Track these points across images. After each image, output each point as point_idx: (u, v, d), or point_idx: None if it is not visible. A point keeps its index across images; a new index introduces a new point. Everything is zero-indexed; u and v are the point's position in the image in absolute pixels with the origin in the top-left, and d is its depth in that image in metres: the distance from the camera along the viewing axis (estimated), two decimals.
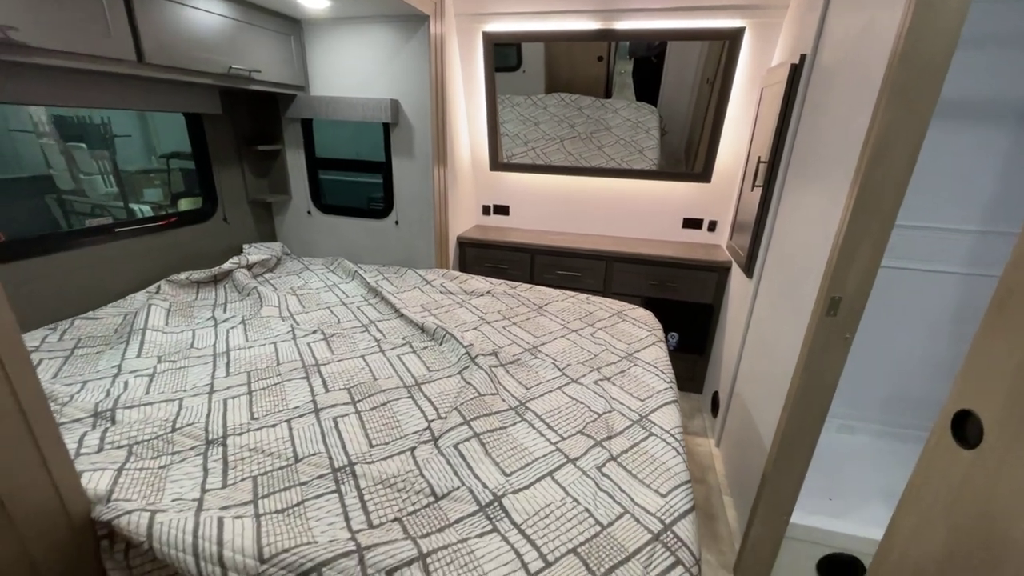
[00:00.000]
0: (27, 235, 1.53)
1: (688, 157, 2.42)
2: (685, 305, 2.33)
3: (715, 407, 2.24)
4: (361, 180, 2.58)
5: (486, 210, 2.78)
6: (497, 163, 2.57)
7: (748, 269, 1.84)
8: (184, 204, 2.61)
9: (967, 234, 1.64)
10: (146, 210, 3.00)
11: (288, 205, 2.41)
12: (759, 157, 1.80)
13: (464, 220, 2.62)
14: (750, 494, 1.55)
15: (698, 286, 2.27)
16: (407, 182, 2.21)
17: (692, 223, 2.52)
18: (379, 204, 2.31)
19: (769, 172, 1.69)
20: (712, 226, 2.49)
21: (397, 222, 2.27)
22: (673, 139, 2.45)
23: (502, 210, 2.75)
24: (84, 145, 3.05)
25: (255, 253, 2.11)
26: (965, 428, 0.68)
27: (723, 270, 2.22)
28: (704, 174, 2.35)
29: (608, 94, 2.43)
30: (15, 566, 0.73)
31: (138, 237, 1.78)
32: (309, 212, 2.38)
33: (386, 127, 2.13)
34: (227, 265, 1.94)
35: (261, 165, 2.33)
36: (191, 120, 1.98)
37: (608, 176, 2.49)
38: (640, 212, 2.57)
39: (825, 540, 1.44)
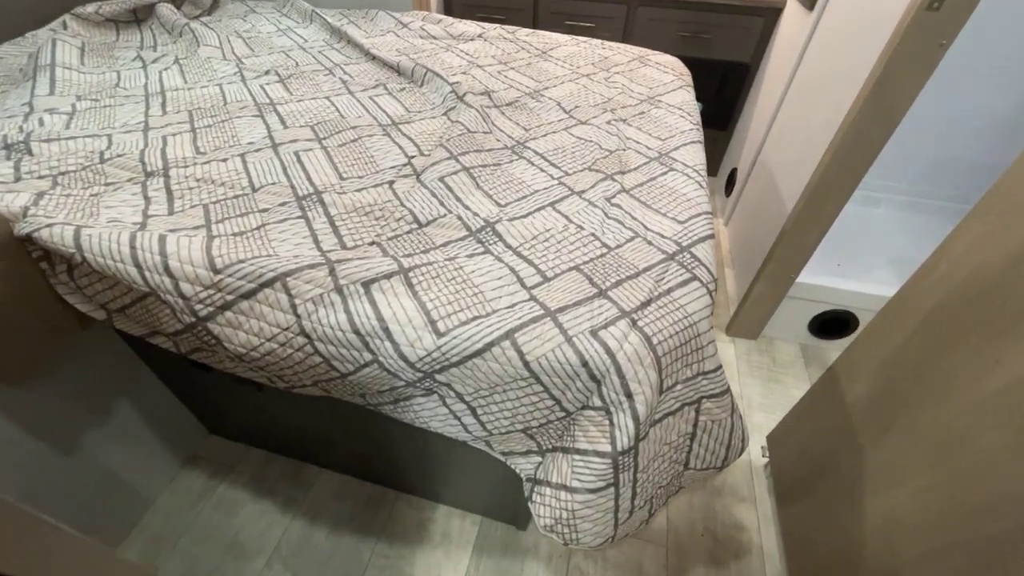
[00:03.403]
0: None
1: None
2: (716, 69, 1.96)
3: (729, 186, 2.08)
4: None
5: None
6: None
7: None
8: None
9: None
10: None
11: None
12: None
13: None
14: (755, 262, 1.49)
15: (738, 37, 1.86)
16: None
17: None
18: None
19: None
20: None
21: None
22: None
23: None
24: None
25: None
26: None
27: (773, 11, 1.77)
28: None
29: None
30: None
31: None
32: None
33: None
34: None
35: None
36: None
37: None
38: None
39: (825, 297, 1.43)
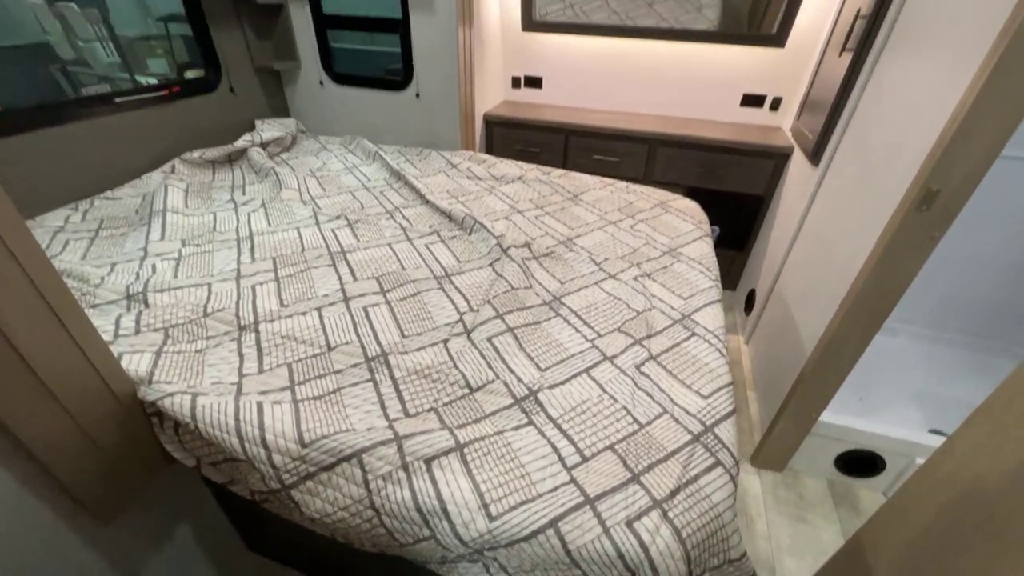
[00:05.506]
0: (23, 105, 1.42)
1: (754, 20, 2.00)
2: (732, 196, 2.14)
3: (749, 305, 2.17)
4: (377, 49, 2.27)
5: (516, 83, 2.47)
6: (531, 21, 2.20)
7: (816, 155, 1.62)
8: (191, 75, 2.40)
9: None
10: (153, 83, 2.80)
11: (298, 75, 2.17)
12: (858, 10, 1.45)
13: (492, 94, 2.35)
14: (778, 391, 1.54)
15: (750, 175, 2.05)
16: (428, 46, 1.92)
17: (752, 100, 2.20)
18: (397, 74, 2.05)
19: (867, 31, 1.37)
20: (776, 104, 2.17)
21: (418, 95, 2.04)
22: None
23: (534, 83, 2.44)
24: (74, 4, 2.75)
25: (268, 130, 1.96)
26: None
27: (782, 156, 1.97)
28: (777, 36, 1.97)
29: None
30: (73, 440, 0.76)
31: (144, 110, 1.65)
32: (321, 83, 2.15)
33: None
34: (240, 143, 1.81)
35: (264, 25, 2.05)
36: None
37: (660, 39, 2.12)
38: (693, 86, 2.23)
39: (848, 437, 1.45)
